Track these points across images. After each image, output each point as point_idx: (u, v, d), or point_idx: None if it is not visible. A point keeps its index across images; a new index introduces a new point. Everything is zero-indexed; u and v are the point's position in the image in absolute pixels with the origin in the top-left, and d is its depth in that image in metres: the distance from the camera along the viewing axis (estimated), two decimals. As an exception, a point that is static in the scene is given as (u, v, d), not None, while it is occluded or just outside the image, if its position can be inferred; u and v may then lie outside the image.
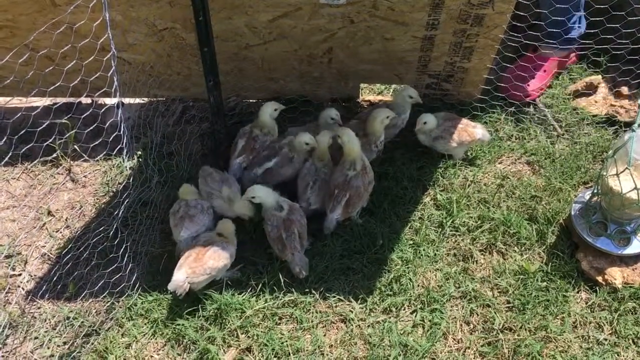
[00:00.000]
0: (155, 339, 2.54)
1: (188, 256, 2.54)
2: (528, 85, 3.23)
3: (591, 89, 3.33)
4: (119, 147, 2.63)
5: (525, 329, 2.51)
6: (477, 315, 2.57)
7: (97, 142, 2.66)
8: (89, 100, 3.24)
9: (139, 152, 3.13)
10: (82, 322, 2.56)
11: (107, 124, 2.73)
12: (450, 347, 2.48)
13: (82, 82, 2.48)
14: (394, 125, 3.00)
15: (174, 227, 2.72)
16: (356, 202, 2.74)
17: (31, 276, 2.76)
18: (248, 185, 2.80)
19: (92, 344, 2.51)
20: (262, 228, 2.73)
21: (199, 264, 2.50)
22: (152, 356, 2.50)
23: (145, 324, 2.58)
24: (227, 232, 2.63)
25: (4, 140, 2.28)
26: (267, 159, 2.91)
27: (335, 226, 2.79)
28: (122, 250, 2.58)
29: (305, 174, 2.86)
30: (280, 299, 2.60)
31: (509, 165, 3.09)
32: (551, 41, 3.16)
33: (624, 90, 3.25)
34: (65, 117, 2.93)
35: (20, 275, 2.76)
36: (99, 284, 2.61)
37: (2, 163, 2.90)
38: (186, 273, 2.48)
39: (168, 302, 2.60)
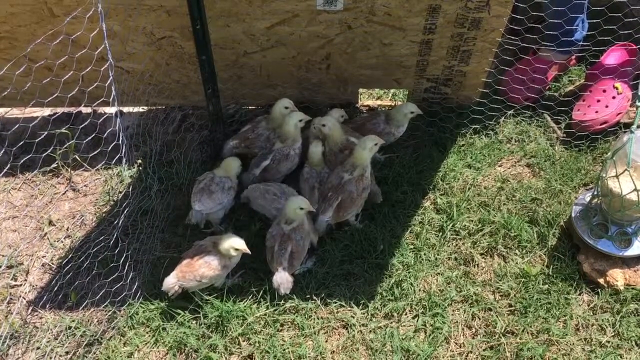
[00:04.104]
0: (157, 347, 2.54)
1: (183, 259, 2.58)
2: (527, 88, 3.23)
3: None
4: (118, 156, 2.64)
5: (528, 333, 2.50)
6: (479, 319, 2.56)
7: (96, 152, 2.67)
8: (88, 110, 3.25)
9: (139, 161, 3.14)
10: (84, 331, 2.56)
11: (107, 133, 2.73)
12: (453, 351, 2.47)
13: (81, 92, 2.49)
14: (388, 133, 3.01)
15: (193, 194, 2.80)
16: (348, 206, 2.71)
17: (32, 286, 2.76)
18: (247, 185, 2.85)
19: (94, 353, 2.51)
20: (263, 235, 2.72)
21: (189, 269, 2.53)
22: (154, 365, 2.50)
23: (146, 332, 2.58)
24: (226, 252, 2.55)
25: (3, 150, 2.28)
26: (263, 158, 2.92)
27: (325, 228, 2.77)
28: (122, 259, 2.58)
29: (307, 178, 2.86)
30: (282, 306, 2.59)
31: (509, 168, 3.09)
32: (551, 44, 3.15)
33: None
34: (65, 127, 2.94)
35: (21, 285, 2.76)
36: (100, 293, 2.61)
37: (3, 173, 2.92)
38: (177, 277, 2.54)
39: (169, 310, 2.60)
